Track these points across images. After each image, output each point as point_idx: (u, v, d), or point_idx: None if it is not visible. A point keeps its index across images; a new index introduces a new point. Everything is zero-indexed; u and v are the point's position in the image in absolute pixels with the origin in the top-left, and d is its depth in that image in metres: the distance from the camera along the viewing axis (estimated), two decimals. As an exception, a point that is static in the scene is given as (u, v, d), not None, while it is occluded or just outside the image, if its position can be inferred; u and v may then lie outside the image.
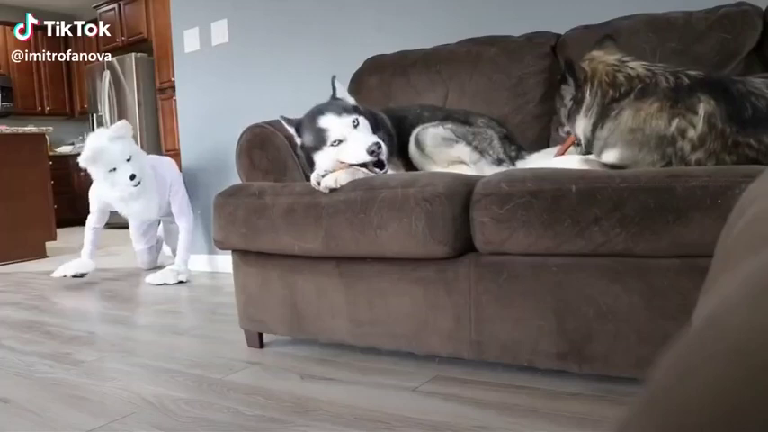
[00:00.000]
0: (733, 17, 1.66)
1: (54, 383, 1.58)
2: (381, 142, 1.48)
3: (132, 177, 2.82)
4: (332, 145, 1.53)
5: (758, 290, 0.20)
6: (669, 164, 1.31)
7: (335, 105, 1.57)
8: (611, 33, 1.56)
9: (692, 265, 1.13)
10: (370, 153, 1.46)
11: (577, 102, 1.44)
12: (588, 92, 1.42)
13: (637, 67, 1.39)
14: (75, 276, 3.00)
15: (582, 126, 1.45)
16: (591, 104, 1.42)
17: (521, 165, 1.60)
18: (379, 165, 1.50)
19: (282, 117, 1.67)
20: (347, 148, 1.51)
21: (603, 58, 1.43)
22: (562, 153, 1.60)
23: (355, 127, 1.52)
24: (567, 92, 1.48)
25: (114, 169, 2.80)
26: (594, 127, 1.42)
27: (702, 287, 0.35)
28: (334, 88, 1.63)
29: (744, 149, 1.25)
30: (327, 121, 1.54)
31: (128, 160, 2.82)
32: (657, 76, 1.35)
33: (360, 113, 1.56)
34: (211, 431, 1.24)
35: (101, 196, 3.02)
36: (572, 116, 1.47)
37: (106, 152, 2.78)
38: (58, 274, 3.00)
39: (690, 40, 1.68)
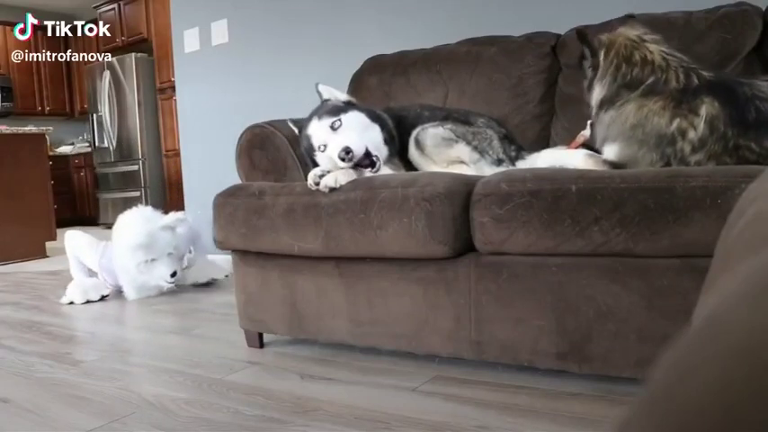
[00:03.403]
0: (733, 17, 1.66)
1: (54, 383, 1.58)
2: (367, 143, 1.48)
3: (173, 275, 2.60)
4: (320, 150, 1.55)
5: (758, 290, 0.20)
6: (668, 164, 1.31)
7: (321, 109, 1.59)
8: (633, 13, 1.55)
9: (692, 265, 1.13)
10: (341, 159, 1.46)
11: (594, 68, 1.45)
12: (603, 59, 1.42)
13: (655, 51, 1.39)
14: (102, 299, 2.69)
15: (596, 93, 1.45)
16: (604, 73, 1.42)
17: (521, 165, 1.60)
18: (371, 164, 1.50)
19: (290, 120, 1.71)
20: (329, 152, 1.52)
21: (625, 32, 1.43)
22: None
23: (335, 129, 1.52)
24: (587, 66, 1.48)
25: (153, 260, 2.57)
26: (601, 105, 1.42)
27: (702, 287, 0.35)
28: (319, 93, 1.65)
29: (744, 152, 1.25)
30: (311, 128, 1.57)
31: (169, 254, 2.62)
32: (670, 71, 1.35)
33: (351, 109, 1.56)
34: (211, 431, 1.24)
35: (113, 258, 2.67)
36: (591, 85, 1.47)
37: (158, 240, 2.56)
38: (78, 300, 2.61)
39: (690, 40, 1.68)
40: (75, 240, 2.81)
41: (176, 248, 2.65)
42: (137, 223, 2.60)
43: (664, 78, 1.35)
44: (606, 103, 1.42)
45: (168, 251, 2.60)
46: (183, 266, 2.79)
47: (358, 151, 1.47)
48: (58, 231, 4.71)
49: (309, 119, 1.59)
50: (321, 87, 1.65)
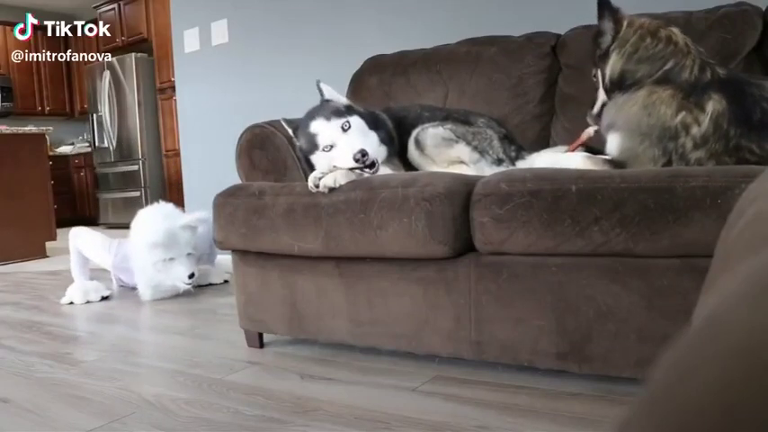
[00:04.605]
0: (733, 17, 1.66)
1: (54, 383, 1.58)
2: (367, 149, 1.48)
3: (191, 276, 2.50)
4: (323, 150, 1.54)
5: (758, 290, 0.20)
6: (669, 161, 1.31)
7: (326, 109, 1.58)
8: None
9: (692, 265, 1.13)
10: (356, 161, 1.47)
11: (614, 35, 1.42)
12: (625, 29, 1.41)
13: (678, 34, 1.39)
14: (102, 299, 2.68)
15: (612, 63, 1.43)
16: (625, 41, 1.40)
17: (521, 165, 1.60)
18: (370, 165, 1.50)
19: (283, 119, 1.69)
20: (337, 152, 1.52)
21: (647, 19, 1.44)
22: (573, 149, 1.60)
23: (345, 131, 1.52)
24: (604, 42, 1.45)
25: (171, 259, 2.48)
26: (619, 82, 1.40)
27: (702, 287, 0.35)
28: (320, 91, 1.64)
29: (745, 153, 1.25)
30: (317, 126, 1.56)
31: (189, 254, 2.51)
32: (689, 58, 1.35)
33: (353, 113, 1.56)
34: (211, 431, 1.24)
35: (129, 258, 2.62)
36: (606, 53, 1.44)
37: (178, 239, 2.47)
38: (78, 300, 2.62)
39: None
40: (81, 237, 2.74)
41: (196, 249, 2.56)
42: (156, 220, 2.52)
43: (681, 65, 1.34)
44: (623, 82, 1.39)
45: (187, 251, 2.51)
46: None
47: (372, 155, 1.48)
48: (58, 231, 4.72)
49: (311, 118, 1.58)
50: (323, 86, 1.64)
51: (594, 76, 1.52)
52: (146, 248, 2.47)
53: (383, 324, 1.50)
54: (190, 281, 2.51)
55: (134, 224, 2.61)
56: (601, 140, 1.49)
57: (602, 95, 1.50)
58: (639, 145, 1.33)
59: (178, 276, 2.50)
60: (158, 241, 2.43)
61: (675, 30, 1.40)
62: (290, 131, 1.68)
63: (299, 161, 1.79)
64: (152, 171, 6.32)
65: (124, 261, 2.67)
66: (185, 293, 2.63)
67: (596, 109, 1.53)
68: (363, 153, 1.46)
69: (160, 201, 2.73)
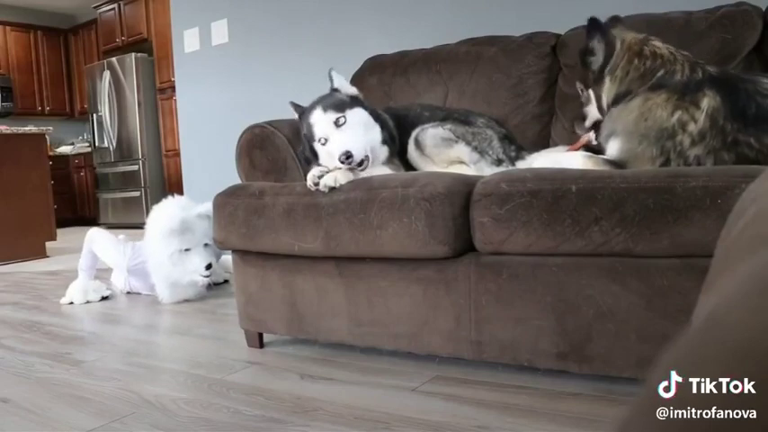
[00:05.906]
0: (733, 17, 1.66)
1: (54, 383, 1.58)
2: (361, 146, 1.47)
3: (209, 267, 2.42)
4: (320, 142, 1.55)
5: (758, 289, 0.20)
6: (668, 160, 1.31)
7: (328, 100, 1.58)
8: (619, 15, 1.56)
9: (692, 265, 1.13)
10: (341, 162, 1.46)
11: (607, 57, 1.44)
12: (617, 54, 1.43)
13: (661, 46, 1.41)
14: (102, 299, 2.69)
15: (607, 86, 1.45)
16: (615, 66, 1.42)
17: (520, 165, 1.60)
18: (359, 164, 1.49)
19: (291, 102, 1.68)
20: (329, 148, 1.52)
21: (628, 32, 1.45)
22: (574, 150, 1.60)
23: (338, 126, 1.52)
24: (595, 62, 1.46)
25: (188, 250, 2.42)
26: (616, 98, 1.42)
27: (702, 287, 0.35)
28: (331, 79, 1.64)
29: (743, 148, 1.26)
30: (314, 117, 1.56)
31: (206, 245, 2.44)
32: (677, 63, 1.37)
33: (356, 105, 1.56)
34: (211, 431, 1.24)
35: (143, 257, 2.57)
36: (600, 76, 1.45)
37: (194, 228, 2.42)
38: (78, 300, 2.63)
39: (690, 40, 1.67)
40: (97, 241, 2.71)
41: (213, 239, 2.49)
42: (171, 210, 2.47)
43: (672, 70, 1.36)
44: (618, 100, 1.42)
45: (204, 241, 2.44)
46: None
47: (358, 156, 1.47)
48: (59, 231, 4.72)
49: (313, 106, 1.58)
50: (333, 74, 1.64)
51: (582, 92, 1.54)
52: (161, 238, 2.41)
53: (383, 324, 1.50)
54: (207, 272, 2.44)
55: (149, 219, 2.57)
56: (600, 149, 1.50)
57: (594, 113, 1.52)
58: (638, 145, 1.34)
59: (195, 268, 2.43)
60: (174, 228, 2.38)
61: (658, 43, 1.42)
62: (295, 115, 1.68)
63: (299, 161, 1.79)
64: (152, 171, 6.33)
65: (139, 263, 2.63)
66: (201, 299, 2.58)
67: (588, 122, 1.54)
68: (348, 155, 1.45)
69: (174, 195, 2.66)
